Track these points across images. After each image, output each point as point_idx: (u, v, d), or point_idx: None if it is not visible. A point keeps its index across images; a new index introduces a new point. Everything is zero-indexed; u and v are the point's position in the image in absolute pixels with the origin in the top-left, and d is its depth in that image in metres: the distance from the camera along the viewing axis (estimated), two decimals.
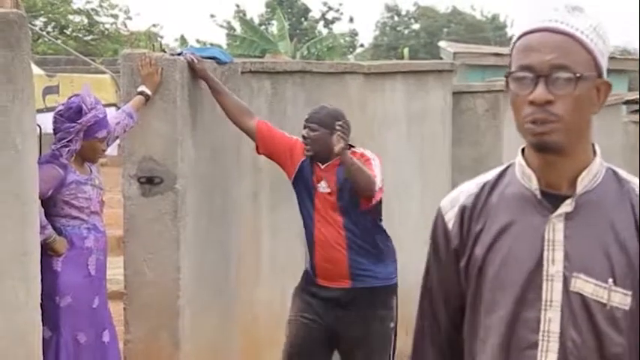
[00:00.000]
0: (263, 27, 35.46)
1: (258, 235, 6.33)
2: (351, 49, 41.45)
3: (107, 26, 26.15)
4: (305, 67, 6.87)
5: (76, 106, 5.14)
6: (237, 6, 40.37)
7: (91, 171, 5.29)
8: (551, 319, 2.07)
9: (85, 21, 25.94)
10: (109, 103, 9.73)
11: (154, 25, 27.50)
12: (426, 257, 2.29)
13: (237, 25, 35.65)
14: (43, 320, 4.42)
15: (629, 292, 2.07)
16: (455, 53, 18.12)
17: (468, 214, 2.19)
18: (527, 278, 2.09)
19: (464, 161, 8.73)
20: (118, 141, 5.69)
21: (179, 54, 5.63)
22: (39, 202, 4.53)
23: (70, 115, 5.14)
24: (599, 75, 2.08)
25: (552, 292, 2.08)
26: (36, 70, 9.39)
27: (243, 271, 6.11)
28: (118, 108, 6.02)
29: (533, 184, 2.12)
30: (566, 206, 2.09)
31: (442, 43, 21.64)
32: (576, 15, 2.06)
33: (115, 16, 26.31)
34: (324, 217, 5.24)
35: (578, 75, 2.02)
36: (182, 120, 5.47)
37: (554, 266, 2.08)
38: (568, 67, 2.03)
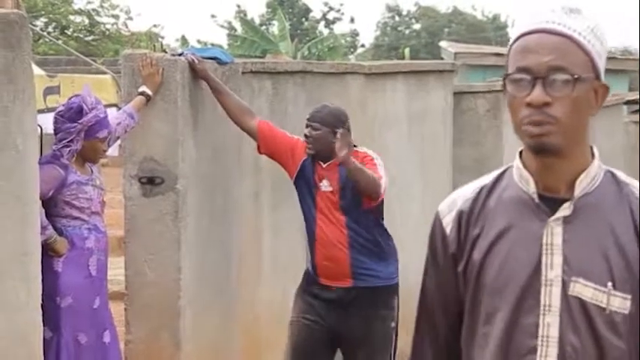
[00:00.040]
0: (264, 27, 35.47)
1: (260, 234, 6.33)
2: (351, 50, 41.47)
3: (108, 26, 26.16)
4: (306, 68, 6.87)
5: (77, 107, 5.14)
6: (238, 6, 40.40)
7: (92, 171, 5.29)
8: (550, 324, 2.06)
9: (86, 21, 25.95)
10: (109, 103, 9.73)
11: (154, 26, 27.54)
12: (424, 262, 2.28)
13: (238, 25, 35.66)
14: (43, 321, 4.42)
15: (629, 296, 2.05)
16: (456, 53, 18.13)
17: (466, 219, 2.17)
18: (525, 283, 2.07)
19: (465, 161, 8.72)
20: (119, 141, 5.69)
21: (180, 54, 5.63)
22: (40, 202, 4.53)
23: (71, 115, 5.14)
24: (597, 77, 2.06)
25: (551, 296, 2.06)
26: (37, 70, 9.39)
27: (244, 270, 6.11)
28: (119, 108, 6.02)
29: (531, 188, 2.10)
30: (565, 210, 2.07)
31: (443, 43, 21.66)
32: (573, 16, 2.05)
33: (116, 17, 26.32)
34: (326, 215, 5.24)
35: (575, 77, 2.01)
36: (183, 120, 5.47)
37: (552, 271, 2.07)
38: (565, 68, 2.01)
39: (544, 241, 2.07)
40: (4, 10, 4.67)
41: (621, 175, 2.15)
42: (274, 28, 32.22)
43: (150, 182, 5.45)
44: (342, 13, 43.73)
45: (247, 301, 6.12)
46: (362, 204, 5.18)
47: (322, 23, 42.62)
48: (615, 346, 2.05)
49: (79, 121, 5.12)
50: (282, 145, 5.44)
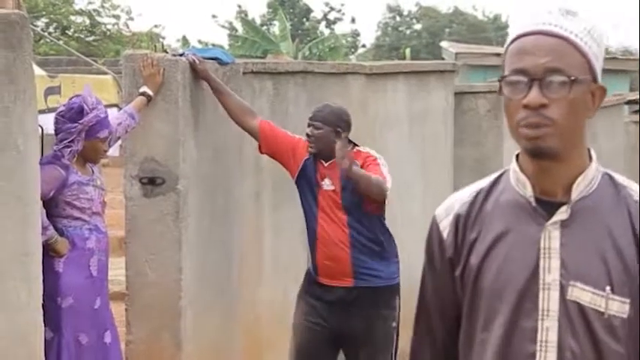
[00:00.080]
0: (265, 27, 35.46)
1: (261, 234, 6.33)
2: (352, 50, 41.46)
3: (109, 27, 26.18)
4: (307, 68, 6.87)
5: (78, 107, 5.14)
6: (239, 6, 40.40)
7: (92, 172, 5.29)
8: (548, 329, 2.04)
9: (87, 22, 25.97)
10: (110, 103, 9.73)
11: (155, 26, 27.56)
12: (422, 267, 2.27)
13: (238, 25, 35.67)
14: (44, 321, 4.42)
15: (628, 300, 2.03)
16: (457, 53, 18.15)
17: (463, 223, 2.16)
18: (523, 287, 2.06)
19: (466, 162, 8.72)
20: (119, 142, 5.69)
21: (181, 54, 5.63)
22: (41, 203, 4.52)
23: (72, 115, 5.14)
24: (594, 79, 2.05)
25: (549, 301, 2.05)
26: (38, 70, 9.39)
27: (245, 270, 6.11)
28: (120, 109, 6.02)
29: (528, 191, 2.09)
30: (562, 213, 2.06)
31: (444, 44, 21.68)
32: (570, 18, 2.03)
33: (117, 17, 26.34)
34: (328, 214, 5.24)
35: (572, 78, 2.00)
36: (184, 120, 5.47)
37: (550, 275, 2.05)
38: (562, 70, 2.00)
39: (541, 245, 2.06)
40: (5, 10, 4.67)
41: (619, 178, 2.13)
42: (275, 29, 32.22)
43: (151, 182, 5.45)
44: (343, 14, 43.79)
45: (248, 301, 6.12)
46: (364, 203, 5.18)
47: (323, 23, 42.62)
48: (614, 351, 2.03)
49: (80, 122, 5.12)
50: (283, 145, 5.44)
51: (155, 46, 19.50)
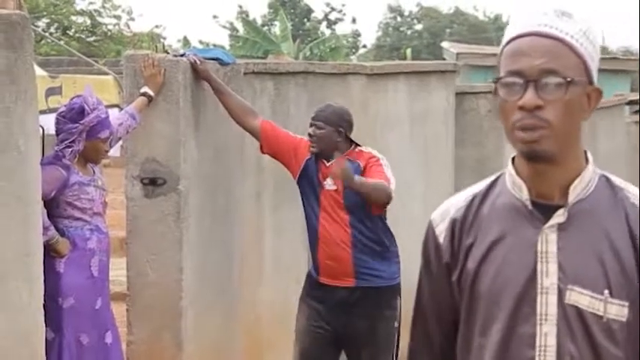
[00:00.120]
0: (266, 28, 35.48)
1: (261, 234, 6.33)
2: (353, 50, 41.49)
3: (110, 27, 26.20)
4: (308, 68, 6.87)
5: (78, 107, 5.15)
6: (240, 7, 40.42)
7: (93, 172, 5.29)
8: (547, 334, 2.03)
9: (88, 22, 25.98)
10: (111, 104, 9.75)
11: (156, 26, 27.57)
12: (419, 271, 2.26)
13: (239, 26, 35.69)
14: (46, 321, 4.42)
15: (626, 303, 2.02)
16: (457, 54, 18.15)
17: (459, 227, 2.15)
18: (521, 291, 2.04)
19: (467, 162, 8.72)
20: (120, 142, 5.69)
21: (182, 55, 5.63)
22: (42, 203, 4.53)
23: (73, 115, 5.15)
24: (590, 81, 2.03)
25: (547, 305, 2.03)
26: (39, 71, 9.40)
27: (246, 271, 6.11)
28: (121, 109, 6.02)
29: (524, 195, 2.07)
30: (559, 217, 2.04)
31: (445, 44, 21.68)
32: (565, 19, 2.02)
33: (118, 17, 26.36)
34: (330, 214, 5.24)
35: (568, 80, 1.98)
36: (185, 121, 5.47)
37: (548, 279, 2.03)
38: (558, 71, 1.98)
39: (539, 248, 2.05)
40: (6, 11, 4.67)
41: (616, 180, 2.11)
42: (276, 29, 32.24)
43: (152, 183, 5.45)
44: (344, 14, 43.80)
45: (249, 301, 6.12)
46: (366, 204, 5.17)
47: (324, 24, 42.63)
48: (613, 355, 2.02)
49: (81, 122, 5.12)
50: (284, 145, 5.44)
51: (156, 46, 19.52)
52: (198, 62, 5.51)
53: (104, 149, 5.29)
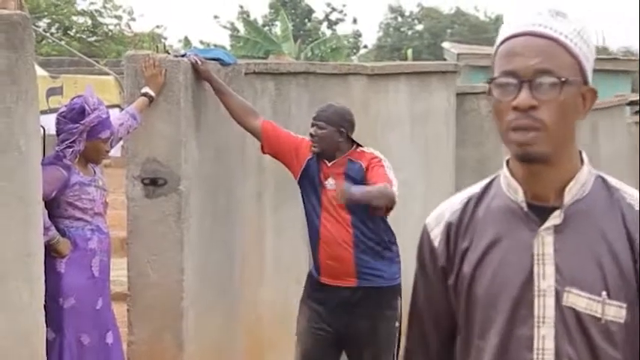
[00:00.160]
0: (267, 28, 35.47)
1: (262, 235, 6.33)
2: (354, 50, 41.49)
3: (111, 27, 26.19)
4: (309, 69, 6.87)
5: (79, 107, 5.15)
6: (241, 7, 40.40)
7: (94, 172, 5.29)
8: (545, 336, 2.01)
9: (89, 22, 25.98)
10: (112, 104, 9.75)
11: (157, 27, 27.52)
12: (414, 275, 2.24)
13: (240, 26, 35.68)
14: (46, 322, 4.42)
15: (624, 305, 2.00)
16: (458, 54, 18.14)
17: (454, 231, 2.13)
18: (518, 294, 2.03)
19: (468, 162, 8.72)
20: (121, 142, 5.69)
21: (183, 55, 5.63)
22: (42, 203, 4.53)
23: (73, 116, 5.15)
24: (585, 81, 2.02)
25: (545, 307, 2.01)
26: (40, 71, 9.40)
27: (247, 271, 6.11)
28: (122, 109, 6.02)
29: (519, 197, 2.05)
30: (555, 218, 2.02)
31: (446, 44, 21.68)
32: (560, 19, 2.00)
33: (119, 18, 26.35)
34: (332, 214, 5.24)
35: (563, 79, 1.96)
36: (186, 121, 5.47)
37: (545, 281, 2.01)
38: (552, 71, 1.96)
39: (535, 251, 2.03)
40: (7, 11, 4.67)
41: (612, 180, 2.09)
42: (277, 29, 32.24)
43: (152, 183, 5.45)
44: (345, 14, 43.80)
45: (250, 301, 6.13)
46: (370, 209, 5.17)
47: (325, 24, 42.62)
48: (611, 356, 2.00)
49: (82, 122, 5.12)
50: (286, 145, 5.44)
51: (157, 46, 19.50)
52: (199, 62, 5.52)
53: (105, 149, 5.29)
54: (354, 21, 52.34)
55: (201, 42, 34.71)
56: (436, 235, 2.16)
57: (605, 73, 16.56)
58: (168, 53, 6.06)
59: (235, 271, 5.99)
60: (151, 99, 5.43)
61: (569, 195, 2.04)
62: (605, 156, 11.05)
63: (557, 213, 2.03)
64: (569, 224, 2.03)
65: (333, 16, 42.85)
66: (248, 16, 38.00)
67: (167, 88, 5.45)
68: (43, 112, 6.22)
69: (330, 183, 5.27)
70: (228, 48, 29.65)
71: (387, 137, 7.57)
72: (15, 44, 4.07)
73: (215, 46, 27.73)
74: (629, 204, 2.05)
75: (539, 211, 2.04)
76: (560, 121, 1.98)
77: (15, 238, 4.14)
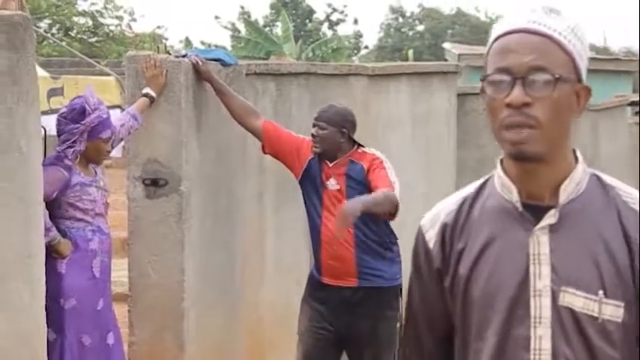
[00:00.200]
0: (267, 29, 35.48)
1: (263, 235, 6.33)
2: (355, 51, 41.49)
3: (112, 28, 26.20)
4: (310, 69, 6.88)
5: (80, 107, 5.15)
6: (242, 7, 40.44)
7: (95, 173, 5.29)
8: (542, 336, 2.00)
9: (90, 23, 25.99)
10: (113, 104, 9.75)
11: (158, 27, 27.55)
12: (409, 277, 2.23)
13: (241, 26, 35.68)
14: (47, 322, 4.42)
15: (622, 304, 1.98)
16: (459, 55, 18.15)
17: (449, 232, 2.12)
18: (514, 294, 2.01)
19: (468, 163, 8.72)
20: (122, 143, 5.69)
21: (184, 56, 5.63)
22: (43, 204, 4.53)
23: (74, 116, 5.15)
24: (579, 79, 2.00)
25: (541, 308, 2.00)
26: (41, 72, 9.40)
27: (247, 271, 6.11)
28: (123, 110, 6.02)
29: (514, 196, 2.03)
30: (550, 218, 2.00)
31: (446, 45, 21.69)
32: (554, 16, 1.99)
33: (120, 18, 26.36)
34: (333, 214, 5.22)
35: (557, 77, 1.95)
36: (187, 122, 5.47)
37: (541, 281, 2.00)
38: (546, 68, 1.95)
39: (530, 250, 2.01)
40: (8, 11, 4.67)
41: (607, 178, 2.08)
42: (278, 30, 32.26)
43: (153, 184, 5.45)
44: (346, 15, 43.79)
45: (251, 301, 6.13)
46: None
47: (326, 25, 42.62)
48: (609, 356, 1.99)
49: (82, 122, 5.12)
50: (287, 145, 5.44)
51: (158, 47, 19.49)
52: (200, 63, 5.52)
53: (106, 150, 5.29)
54: (355, 21, 52.43)
55: (202, 42, 34.75)
56: (431, 237, 2.15)
57: (606, 74, 16.57)
58: (169, 54, 6.06)
59: (236, 271, 5.99)
60: (151, 99, 5.43)
61: (564, 194, 2.02)
62: (605, 156, 11.05)
63: (552, 212, 2.01)
64: (565, 223, 2.01)
65: (334, 17, 42.87)
66: (249, 16, 38.01)
67: (168, 88, 5.46)
68: (44, 113, 6.22)
69: (331, 183, 5.27)
70: (229, 48, 29.67)
71: (388, 138, 7.57)
72: (16, 45, 4.07)
73: (216, 46, 27.75)
74: (624, 202, 2.03)
75: (534, 211, 2.02)
76: (554, 118, 1.96)
77: (16, 238, 4.14)
